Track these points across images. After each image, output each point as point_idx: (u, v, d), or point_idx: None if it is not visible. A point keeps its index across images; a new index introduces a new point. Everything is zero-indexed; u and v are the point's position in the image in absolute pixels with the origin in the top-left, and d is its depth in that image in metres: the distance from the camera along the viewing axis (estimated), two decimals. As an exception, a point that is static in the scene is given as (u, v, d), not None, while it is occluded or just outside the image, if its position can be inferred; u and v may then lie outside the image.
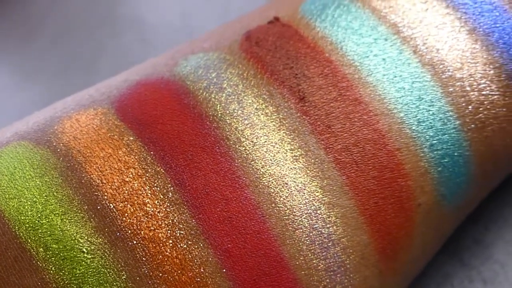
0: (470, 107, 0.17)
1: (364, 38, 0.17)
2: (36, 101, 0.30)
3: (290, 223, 0.15)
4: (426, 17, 0.17)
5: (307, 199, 0.15)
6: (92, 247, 0.14)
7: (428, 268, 0.19)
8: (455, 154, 0.17)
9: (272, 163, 0.15)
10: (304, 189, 0.15)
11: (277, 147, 0.16)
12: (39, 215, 0.14)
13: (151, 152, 0.15)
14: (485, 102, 0.17)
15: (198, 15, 0.30)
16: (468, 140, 0.17)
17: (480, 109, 0.17)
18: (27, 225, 0.14)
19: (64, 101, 0.17)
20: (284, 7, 0.18)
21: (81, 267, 0.14)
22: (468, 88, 0.17)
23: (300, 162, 0.15)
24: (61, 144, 0.15)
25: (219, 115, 0.16)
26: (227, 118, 0.16)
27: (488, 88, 0.17)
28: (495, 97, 0.17)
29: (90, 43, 0.31)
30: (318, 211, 0.15)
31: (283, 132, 0.16)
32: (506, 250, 0.19)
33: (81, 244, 0.14)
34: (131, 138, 0.15)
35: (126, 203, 0.15)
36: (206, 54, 0.17)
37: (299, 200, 0.15)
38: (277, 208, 0.15)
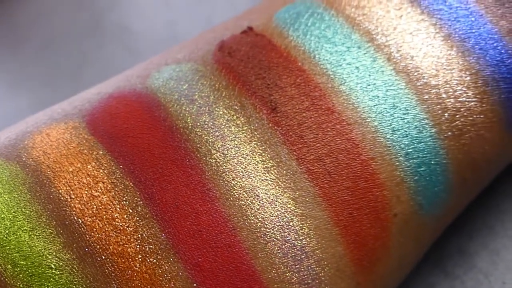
0: (446, 114, 0.17)
1: (338, 47, 0.17)
2: (22, 110, 0.30)
3: (262, 235, 0.15)
4: (400, 24, 0.17)
5: (279, 211, 0.15)
6: (61, 263, 0.14)
7: (411, 278, 0.19)
8: (432, 162, 0.17)
9: (243, 175, 0.15)
10: (276, 201, 0.15)
11: (248, 159, 0.16)
12: (7, 231, 0.15)
13: (121, 166, 0.15)
14: (462, 109, 0.17)
15: (184, 24, 0.30)
16: (445, 148, 0.17)
17: (457, 116, 0.17)
18: (-5, 242, 0.14)
19: (36, 115, 0.18)
20: (259, 15, 0.18)
21: (49, 284, 0.14)
22: (444, 95, 0.17)
23: (272, 174, 0.16)
24: (31, 159, 0.16)
25: (190, 127, 0.16)
26: (197, 130, 0.16)
27: (464, 95, 0.17)
28: (472, 103, 0.17)
29: (76, 52, 0.32)
30: (291, 223, 0.15)
31: (254, 143, 0.16)
32: (490, 259, 0.19)
33: (49, 260, 0.14)
34: (101, 152, 0.16)
35: (94, 218, 0.15)
36: (178, 66, 0.17)
37: (270, 212, 0.15)
38: (248, 221, 0.15)
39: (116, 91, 0.17)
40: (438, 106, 0.17)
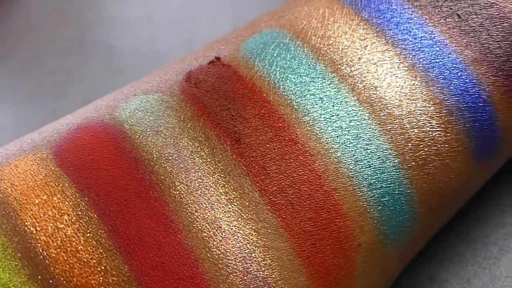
0: (409, 144, 0.17)
1: (302, 77, 0.18)
2: (5, 128, 0.31)
3: (224, 267, 0.16)
4: (365, 54, 0.18)
5: (241, 242, 0.16)
6: (25, 295, 0.15)
7: (383, 305, 0.20)
8: (396, 192, 0.17)
9: (206, 207, 0.16)
10: (238, 232, 0.16)
11: (211, 190, 0.16)
12: (-28, 264, 0.15)
13: (86, 198, 0.16)
14: (426, 139, 0.18)
15: (165, 41, 0.31)
16: (409, 177, 0.17)
17: (421, 146, 0.17)
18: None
19: (7, 146, 0.18)
20: (228, 45, 0.19)
21: (14, 315, 0.15)
22: (407, 125, 0.17)
23: (235, 205, 0.16)
24: (-2, 191, 0.16)
25: (155, 159, 0.17)
26: (162, 162, 0.17)
27: (428, 125, 0.18)
28: (436, 133, 0.18)
29: (59, 70, 0.33)
30: (253, 254, 0.16)
31: (218, 175, 0.17)
32: (461, 287, 0.20)
33: (14, 293, 0.15)
34: (67, 184, 0.16)
35: (59, 250, 0.16)
36: (146, 96, 0.18)
37: (233, 244, 0.16)
38: (211, 252, 0.16)
39: (84, 121, 0.18)
40: (402, 136, 0.17)
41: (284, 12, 0.20)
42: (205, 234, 0.16)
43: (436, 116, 0.18)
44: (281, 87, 0.18)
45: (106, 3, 0.34)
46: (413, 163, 0.17)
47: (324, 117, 0.17)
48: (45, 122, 0.32)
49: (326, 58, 0.18)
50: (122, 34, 0.32)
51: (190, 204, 0.16)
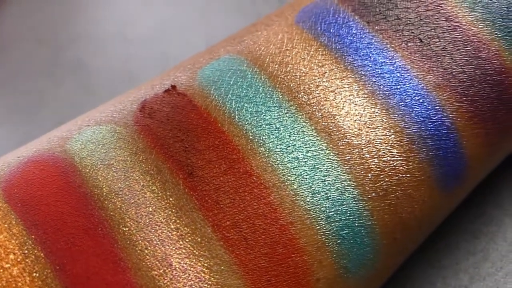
0: (369, 175, 0.17)
1: (258, 106, 0.17)
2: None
3: (175, 306, 0.16)
4: (323, 81, 0.18)
5: (193, 280, 0.16)
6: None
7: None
8: (356, 224, 0.17)
9: (156, 244, 0.16)
10: (190, 270, 0.16)
11: (162, 226, 0.16)
12: None
13: (33, 236, 0.16)
14: (386, 169, 0.17)
15: (139, 61, 0.31)
16: (369, 209, 0.17)
17: (381, 176, 0.17)
18: None
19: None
20: (185, 72, 0.19)
21: None
22: (367, 155, 0.17)
23: (186, 241, 0.16)
24: None
25: (105, 194, 0.16)
26: (112, 197, 0.16)
27: (389, 154, 0.17)
28: (397, 163, 0.17)
29: (33, 91, 0.33)
30: (205, 293, 0.16)
31: (169, 210, 0.16)
32: (430, 317, 0.19)
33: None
34: (14, 222, 0.16)
35: (4, 291, 0.15)
36: (99, 127, 0.18)
37: (184, 282, 0.16)
38: (161, 291, 0.16)
39: (35, 154, 0.18)
40: (361, 167, 0.17)
41: (244, 37, 0.20)
42: (155, 272, 0.16)
43: (397, 145, 0.17)
44: (237, 116, 0.17)
45: (81, 21, 0.34)
46: (374, 194, 0.17)
47: (280, 148, 0.17)
48: (19, 144, 0.32)
49: (284, 86, 0.18)
50: (96, 53, 0.32)
51: (140, 241, 0.16)
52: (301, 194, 0.17)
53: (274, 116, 0.17)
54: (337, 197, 0.17)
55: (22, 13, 0.36)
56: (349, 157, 0.17)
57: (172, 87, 0.18)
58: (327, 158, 0.17)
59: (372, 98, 0.17)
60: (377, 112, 0.17)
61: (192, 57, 0.20)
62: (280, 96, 0.18)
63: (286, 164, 0.17)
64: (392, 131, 0.17)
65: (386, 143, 0.17)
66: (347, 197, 0.17)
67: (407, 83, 0.18)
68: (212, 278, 0.16)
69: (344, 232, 0.17)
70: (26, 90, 0.33)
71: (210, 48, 0.20)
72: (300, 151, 0.17)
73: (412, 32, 0.18)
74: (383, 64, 0.18)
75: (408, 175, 0.17)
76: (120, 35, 0.33)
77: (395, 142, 0.17)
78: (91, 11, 0.35)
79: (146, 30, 0.32)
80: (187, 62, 0.20)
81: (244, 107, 0.17)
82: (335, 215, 0.17)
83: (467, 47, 0.18)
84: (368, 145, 0.17)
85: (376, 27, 0.18)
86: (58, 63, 0.33)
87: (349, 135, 0.17)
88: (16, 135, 0.32)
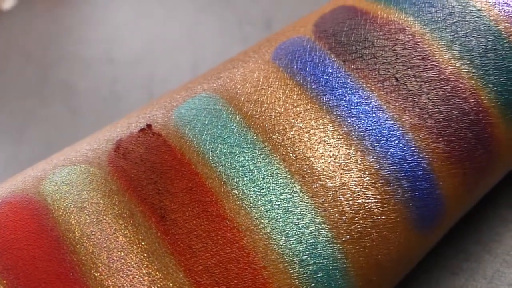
0: (344, 217, 0.17)
1: (233, 147, 0.18)
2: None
3: None
4: (297, 122, 0.18)
5: (165, 326, 0.16)
6: None
7: None
8: (330, 268, 0.17)
9: (128, 289, 0.16)
10: (161, 316, 0.16)
11: (134, 271, 0.16)
12: None
13: (4, 281, 0.16)
14: (361, 211, 0.17)
15: (125, 82, 0.31)
16: (344, 252, 0.17)
17: (356, 219, 0.17)
18: None
19: None
20: (161, 110, 0.19)
21: None
22: (341, 198, 0.17)
23: (158, 287, 0.16)
24: None
25: (77, 238, 0.17)
26: (84, 241, 0.17)
27: (363, 196, 0.17)
28: (372, 205, 0.17)
29: (20, 112, 0.33)
30: (177, 338, 0.16)
31: (141, 255, 0.16)
32: None
33: None
34: (-15, 267, 0.16)
35: (-26, 338, 0.15)
36: (73, 168, 0.18)
37: (155, 328, 0.16)
38: (132, 337, 0.16)
39: (9, 195, 0.18)
40: (335, 209, 0.17)
41: (220, 73, 0.20)
42: (127, 318, 0.16)
43: (372, 187, 0.17)
44: (211, 158, 0.17)
45: (70, 41, 0.34)
46: (348, 236, 0.17)
47: (253, 191, 0.17)
48: (6, 165, 0.32)
49: (258, 126, 0.18)
50: (83, 74, 0.33)
51: (111, 287, 0.16)
52: (274, 237, 0.17)
53: (248, 157, 0.17)
54: (311, 240, 0.17)
55: (11, 32, 0.36)
56: (323, 200, 0.17)
57: (147, 126, 0.18)
58: (301, 201, 0.17)
59: (347, 139, 0.18)
60: (352, 154, 0.17)
61: (169, 93, 0.20)
62: (255, 137, 0.18)
63: (259, 207, 0.17)
64: (367, 173, 0.17)
65: (360, 185, 0.17)
66: (321, 240, 0.17)
67: (383, 123, 0.18)
68: (184, 324, 0.16)
69: (318, 275, 0.17)
70: (13, 109, 0.33)
71: (187, 84, 0.20)
72: (273, 194, 0.17)
73: (389, 71, 0.18)
74: (358, 104, 0.18)
75: (383, 217, 0.17)
76: (107, 56, 0.33)
77: (370, 184, 0.17)
78: (79, 31, 0.35)
79: (133, 51, 0.32)
80: (164, 99, 0.20)
81: (218, 148, 0.18)
82: (308, 258, 0.17)
83: (444, 86, 0.18)
84: (343, 187, 0.17)
85: (352, 66, 0.18)
86: (46, 83, 0.33)
87: (323, 177, 0.17)
88: (2, 155, 0.32)
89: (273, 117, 0.18)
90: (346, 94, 0.18)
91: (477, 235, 0.21)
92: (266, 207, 0.17)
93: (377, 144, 0.18)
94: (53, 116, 0.32)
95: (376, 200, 0.17)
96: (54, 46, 0.34)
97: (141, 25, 0.33)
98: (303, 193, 0.17)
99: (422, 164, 0.18)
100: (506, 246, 0.21)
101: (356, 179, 0.17)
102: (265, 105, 0.18)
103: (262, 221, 0.17)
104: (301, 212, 0.17)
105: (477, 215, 0.21)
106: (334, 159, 0.17)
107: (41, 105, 0.32)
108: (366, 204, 0.17)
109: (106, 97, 0.31)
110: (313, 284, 0.17)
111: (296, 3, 0.32)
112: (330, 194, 0.17)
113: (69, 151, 0.19)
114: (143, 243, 0.16)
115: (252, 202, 0.17)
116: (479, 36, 0.19)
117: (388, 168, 0.17)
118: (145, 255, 0.16)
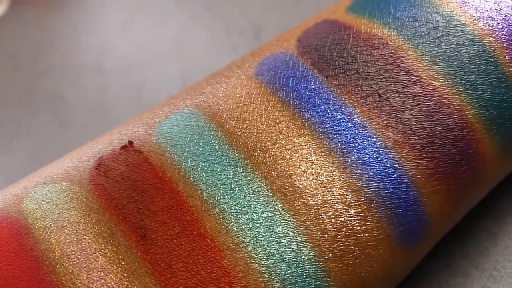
0: (326, 235, 0.17)
1: (214, 165, 0.18)
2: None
3: None
4: (279, 139, 0.18)
5: None
6: None
7: None
8: (312, 286, 0.17)
9: (108, 310, 0.16)
10: (141, 337, 0.16)
11: (114, 292, 0.16)
12: None
13: (-17, 303, 0.16)
14: (343, 229, 0.17)
15: (113, 92, 0.31)
16: (326, 270, 0.17)
17: (338, 237, 0.17)
18: None
19: None
20: (144, 126, 0.19)
21: None
22: (323, 216, 0.17)
23: (138, 307, 0.16)
24: None
25: (57, 258, 0.17)
26: (64, 261, 0.17)
27: (346, 214, 0.17)
28: (355, 222, 0.17)
29: (8, 121, 0.33)
30: None
31: (121, 275, 0.16)
32: None
33: None
34: (-35, 288, 0.16)
35: None
36: (54, 186, 0.18)
37: None
38: None
39: (-11, 214, 0.18)
40: (317, 227, 0.17)
41: (204, 89, 0.20)
42: None
43: (355, 204, 0.17)
44: (192, 176, 0.17)
45: (59, 50, 0.34)
46: (331, 254, 0.17)
47: (235, 209, 0.17)
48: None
49: (240, 143, 0.18)
50: (71, 84, 0.33)
51: (91, 307, 0.16)
52: (256, 256, 0.17)
53: (230, 175, 0.17)
54: (293, 259, 0.17)
55: (0, 40, 0.36)
56: (305, 218, 0.17)
57: (129, 143, 0.18)
58: (283, 219, 0.17)
59: (330, 156, 0.18)
60: (334, 171, 0.17)
61: (153, 108, 0.20)
62: (236, 154, 0.18)
63: (240, 226, 0.17)
64: (349, 190, 0.17)
65: (343, 203, 0.17)
66: (303, 258, 0.17)
67: (365, 140, 0.18)
68: None
69: (301, 294, 0.17)
70: (1, 120, 0.33)
71: (171, 99, 0.20)
72: (255, 212, 0.17)
73: (372, 87, 0.18)
74: (341, 120, 0.18)
75: (366, 234, 0.17)
76: (96, 66, 0.33)
77: (352, 201, 0.17)
78: (69, 40, 0.35)
79: (123, 61, 0.32)
80: (147, 115, 0.20)
81: (200, 166, 0.18)
82: (290, 277, 0.17)
83: (427, 102, 0.18)
84: (325, 205, 0.17)
85: (335, 82, 0.18)
86: (34, 93, 0.33)
87: (305, 195, 0.17)
88: (-9, 167, 0.32)
89: (255, 134, 0.18)
90: (328, 111, 0.18)
91: (464, 250, 0.21)
92: (248, 226, 0.17)
93: (360, 161, 0.17)
94: (41, 126, 0.32)
95: (359, 217, 0.17)
96: (43, 55, 0.34)
97: (130, 34, 0.33)
98: (284, 211, 0.17)
99: (406, 181, 0.18)
100: (493, 261, 0.21)
101: (339, 196, 0.17)
102: (247, 122, 0.18)
103: (243, 240, 0.17)
104: (283, 231, 0.17)
105: (464, 230, 0.21)
106: (316, 176, 0.17)
107: (29, 116, 0.32)
108: (348, 222, 0.17)
109: (94, 108, 0.31)
110: (295, 303, 0.17)
111: (285, 12, 0.32)
112: (312, 212, 0.17)
113: (50, 168, 0.19)
114: (123, 263, 0.16)
115: (233, 220, 0.17)
116: (463, 50, 0.19)
117: (371, 185, 0.17)
118: (125, 275, 0.16)
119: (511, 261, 0.21)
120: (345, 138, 0.18)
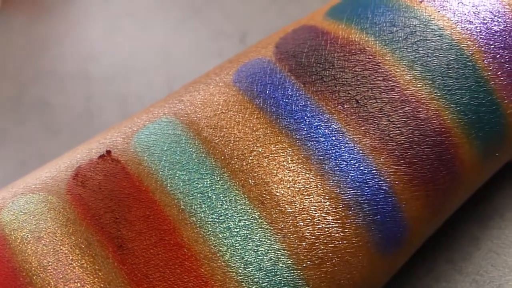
0: (304, 243, 0.17)
1: (191, 174, 0.18)
2: None
3: None
4: (256, 147, 0.18)
5: None
6: None
7: None
8: (290, 294, 0.17)
9: (84, 321, 0.16)
10: None
11: (90, 303, 0.16)
12: None
13: (-41, 315, 0.16)
14: (321, 237, 0.17)
15: (100, 99, 0.31)
16: (304, 278, 0.17)
17: (316, 244, 0.17)
18: None
19: None
20: (122, 135, 0.19)
21: None
22: (301, 223, 0.17)
23: (115, 318, 0.16)
24: None
25: (33, 269, 0.17)
26: (40, 272, 0.17)
27: (324, 221, 0.17)
28: (333, 230, 0.17)
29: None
30: None
31: (98, 285, 0.16)
32: None
33: None
34: None
35: None
36: (31, 196, 0.18)
37: None
38: None
39: (-33, 225, 0.18)
40: (295, 235, 0.17)
41: (182, 96, 0.20)
42: None
43: (332, 212, 0.17)
44: (169, 185, 0.17)
45: (46, 57, 0.34)
46: (309, 262, 0.17)
47: (212, 218, 0.17)
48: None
49: (217, 151, 0.18)
50: (58, 91, 0.33)
51: (67, 319, 0.16)
52: (233, 265, 0.17)
53: (207, 184, 0.17)
54: (271, 267, 0.17)
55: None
56: (282, 226, 0.17)
57: (107, 153, 0.18)
58: (260, 227, 0.17)
59: (307, 164, 0.18)
60: (311, 178, 0.17)
61: (132, 117, 0.20)
62: (213, 163, 0.18)
63: (217, 235, 0.17)
64: (327, 197, 0.17)
65: (320, 210, 0.17)
66: (281, 266, 0.17)
67: (343, 147, 0.18)
68: None
69: (279, 302, 0.17)
70: (-11, 128, 0.33)
71: (149, 107, 0.20)
72: (232, 221, 0.17)
73: (349, 93, 0.18)
74: (318, 127, 0.18)
75: (344, 241, 0.17)
76: (82, 73, 0.33)
77: (330, 208, 0.17)
78: (55, 47, 0.35)
79: (108, 67, 0.32)
80: (125, 123, 0.20)
81: (177, 175, 0.18)
82: (268, 286, 0.17)
83: (405, 107, 0.18)
84: (302, 213, 0.17)
85: (312, 88, 0.18)
86: (21, 101, 0.33)
87: (282, 203, 0.17)
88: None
89: (232, 142, 0.18)
90: (305, 117, 0.18)
91: (447, 254, 0.21)
92: (225, 234, 0.17)
93: (337, 168, 0.17)
94: (29, 134, 0.32)
95: (337, 224, 0.17)
96: (30, 62, 0.34)
97: (116, 41, 0.33)
98: (262, 219, 0.17)
99: (384, 187, 0.18)
100: (476, 265, 0.21)
101: (316, 204, 0.17)
102: (224, 130, 0.18)
103: (221, 248, 0.17)
104: (260, 239, 0.17)
105: (447, 234, 0.21)
106: (294, 184, 0.17)
107: (17, 123, 0.32)
108: (326, 229, 0.17)
109: (81, 115, 0.31)
110: (273, 312, 0.17)
111: (271, 16, 0.32)
112: (289, 220, 0.17)
113: (29, 178, 0.19)
114: (99, 273, 0.16)
115: (210, 229, 0.17)
116: (441, 55, 0.19)
117: (348, 192, 0.17)
118: (102, 285, 0.16)
119: (493, 265, 0.21)
120: (322, 145, 0.18)
